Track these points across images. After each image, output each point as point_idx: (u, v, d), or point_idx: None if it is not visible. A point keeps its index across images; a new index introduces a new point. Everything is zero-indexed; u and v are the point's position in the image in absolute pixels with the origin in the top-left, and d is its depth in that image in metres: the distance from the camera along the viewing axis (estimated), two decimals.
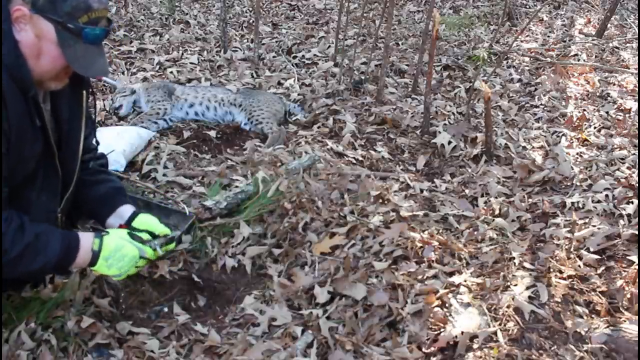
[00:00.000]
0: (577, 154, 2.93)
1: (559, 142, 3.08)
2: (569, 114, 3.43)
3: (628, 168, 2.68)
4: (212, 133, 3.20)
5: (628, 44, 4.83)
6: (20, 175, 1.52)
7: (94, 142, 1.86)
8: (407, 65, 4.27)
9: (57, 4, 1.42)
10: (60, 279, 1.84)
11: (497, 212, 2.38)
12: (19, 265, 1.48)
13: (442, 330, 1.68)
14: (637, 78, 3.82)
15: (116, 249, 1.62)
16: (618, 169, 2.67)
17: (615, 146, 2.96)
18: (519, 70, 4.30)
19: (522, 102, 3.71)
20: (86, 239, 1.61)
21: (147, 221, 1.81)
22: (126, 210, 1.84)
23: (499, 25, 4.79)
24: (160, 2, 5.79)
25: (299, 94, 3.73)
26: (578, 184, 2.58)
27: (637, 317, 1.68)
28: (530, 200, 2.48)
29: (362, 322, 1.78)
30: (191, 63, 4.24)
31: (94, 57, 1.51)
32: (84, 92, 1.70)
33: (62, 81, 1.55)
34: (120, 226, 1.81)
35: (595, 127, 3.27)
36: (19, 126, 1.44)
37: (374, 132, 3.21)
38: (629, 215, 2.23)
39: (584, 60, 4.37)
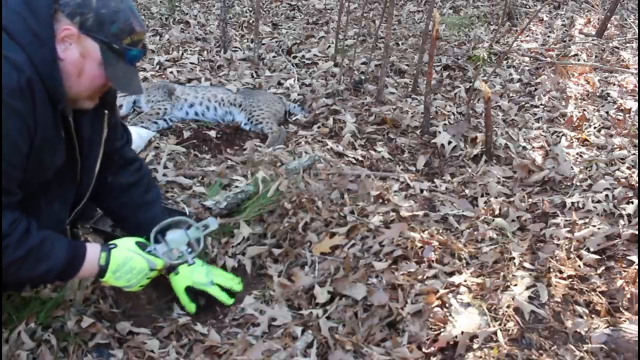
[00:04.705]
0: (577, 154, 2.92)
1: (559, 142, 3.08)
2: (569, 114, 3.43)
3: (628, 168, 2.67)
4: (212, 133, 3.20)
5: (628, 44, 4.83)
6: (35, 183, 1.53)
7: (129, 152, 1.92)
8: (407, 65, 4.27)
9: (105, 26, 1.46)
10: None
11: (497, 212, 2.38)
12: (21, 268, 1.48)
13: (442, 330, 1.68)
14: (637, 78, 3.82)
15: (124, 262, 1.63)
16: (618, 169, 2.67)
17: (615, 146, 2.95)
18: (519, 70, 4.30)
19: (522, 102, 3.71)
20: (93, 251, 1.61)
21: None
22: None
23: (499, 25, 4.79)
24: (160, 2, 5.80)
25: (299, 94, 3.73)
26: (578, 184, 2.58)
27: (637, 317, 1.68)
28: (530, 200, 2.48)
29: (362, 322, 1.78)
30: (191, 63, 4.23)
31: (132, 76, 1.57)
32: (106, 111, 1.72)
33: (94, 101, 1.60)
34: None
35: (595, 127, 3.26)
36: (44, 135, 1.46)
37: (374, 132, 3.21)
38: (629, 215, 2.23)
39: (584, 60, 4.37)
